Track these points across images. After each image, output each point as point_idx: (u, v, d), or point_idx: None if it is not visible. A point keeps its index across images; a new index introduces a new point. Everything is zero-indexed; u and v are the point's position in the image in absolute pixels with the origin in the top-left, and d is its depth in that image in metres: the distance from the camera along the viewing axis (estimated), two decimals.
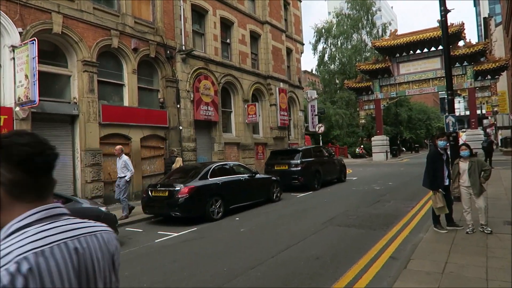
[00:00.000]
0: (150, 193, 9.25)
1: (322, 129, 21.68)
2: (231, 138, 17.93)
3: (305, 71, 60.59)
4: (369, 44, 42.29)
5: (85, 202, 6.82)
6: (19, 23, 10.06)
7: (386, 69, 30.46)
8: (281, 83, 21.30)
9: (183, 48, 14.94)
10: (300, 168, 13.73)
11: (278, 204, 11.35)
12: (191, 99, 15.25)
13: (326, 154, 16.12)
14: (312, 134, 29.23)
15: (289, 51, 23.40)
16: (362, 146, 39.12)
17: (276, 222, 8.71)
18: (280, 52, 21.60)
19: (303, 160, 13.98)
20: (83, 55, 11.54)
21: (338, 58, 45.46)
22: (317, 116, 23.01)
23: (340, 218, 8.65)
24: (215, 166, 9.91)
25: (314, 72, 50.00)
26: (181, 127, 14.69)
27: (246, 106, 18.47)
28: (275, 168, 14.22)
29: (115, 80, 12.88)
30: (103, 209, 6.90)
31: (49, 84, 11.19)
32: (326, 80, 46.53)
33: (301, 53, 25.03)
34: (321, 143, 22.36)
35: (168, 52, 14.40)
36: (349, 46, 45.09)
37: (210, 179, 9.39)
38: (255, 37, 20.18)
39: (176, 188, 8.81)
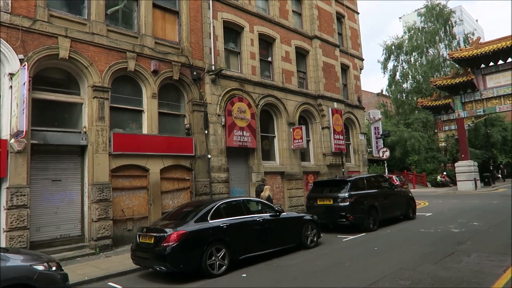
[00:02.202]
0: (138, 238, 7.44)
1: (387, 154, 18.33)
2: (274, 166, 15.70)
3: (378, 94, 56.68)
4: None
5: (14, 258, 5.14)
6: (21, 50, 9.35)
7: (469, 83, 25.84)
8: (335, 103, 18.70)
9: (213, 68, 13.46)
10: (348, 203, 10.92)
11: (312, 252, 8.72)
12: (222, 123, 13.53)
13: (386, 184, 12.96)
14: (377, 161, 25.61)
15: (345, 68, 20.80)
16: (444, 173, 33.70)
17: (290, 285, 6.19)
18: (333, 68, 19.16)
19: (353, 193, 11.15)
20: (93, 80, 10.57)
21: (411, 76, 41.00)
22: (381, 139, 19.74)
23: (385, 283, 5.84)
24: (221, 204, 7.77)
25: (384, 92, 45.83)
26: (209, 156, 12.96)
27: (291, 130, 16.23)
28: (318, 203, 11.59)
29: (133, 106, 11.72)
30: (40, 267, 5.15)
31: (58, 113, 10.35)
32: (398, 101, 42.09)
33: (361, 69, 22.20)
34: (386, 171, 18.94)
35: (194, 73, 13.00)
36: (424, 62, 40.49)
37: (210, 222, 7.27)
38: (302, 53, 18.11)
39: (162, 234, 6.86)
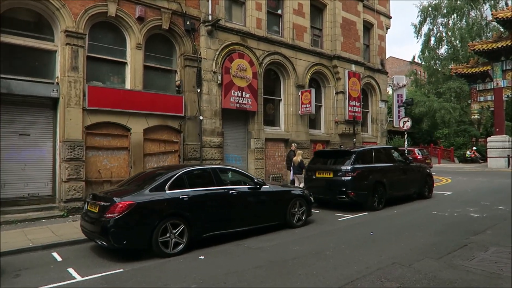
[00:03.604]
0: (86, 206, 6.43)
1: (409, 124, 16.39)
2: (277, 132, 14.30)
3: (411, 62, 52.95)
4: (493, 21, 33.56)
5: None
6: None
7: None
8: (353, 65, 16.75)
9: (210, 18, 11.89)
10: (350, 177, 9.50)
11: (296, 233, 7.48)
12: (218, 82, 12.13)
13: (399, 158, 11.35)
14: (401, 132, 23.58)
15: (368, 26, 18.55)
16: (474, 148, 31.12)
17: (248, 276, 5.00)
18: (353, 26, 17.03)
19: (357, 166, 9.69)
20: (66, 25, 9.35)
21: (447, 41, 37.37)
22: (403, 108, 17.73)
23: (364, 284, 4.55)
24: (185, 172, 6.56)
25: (417, 59, 42.38)
26: (201, 117, 11.71)
27: (299, 93, 14.62)
28: (317, 175, 10.23)
29: (114, 57, 10.49)
30: None
31: (27, 61, 9.29)
32: (431, 68, 38.76)
33: (387, 28, 19.82)
34: (405, 144, 17.08)
35: (188, 23, 11.51)
36: (464, 25, 36.63)
37: (168, 192, 6.11)
38: (318, 7, 16.08)
39: (107, 204, 5.78)
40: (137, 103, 10.48)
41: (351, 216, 9.05)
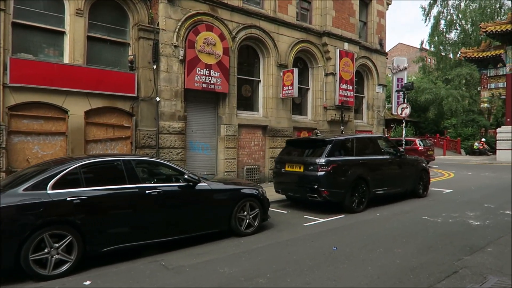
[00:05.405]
0: None
1: (407, 111, 14.52)
2: (254, 118, 12.59)
3: (421, 48, 50.36)
4: (507, 2, 31.14)
5: None
6: None
7: None
8: (346, 44, 14.86)
9: None
10: (324, 172, 7.81)
11: (242, 243, 5.86)
12: (180, 58, 10.43)
13: (389, 150, 9.61)
14: (402, 121, 21.64)
15: (366, 0, 16.56)
16: (483, 139, 29.05)
17: None
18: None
19: (333, 158, 7.99)
20: None
21: (458, 24, 34.93)
22: (402, 93, 15.79)
23: None
24: (81, 165, 4.92)
25: (425, 45, 39.90)
26: (158, 98, 10.06)
27: (281, 73, 12.85)
28: (286, 169, 8.56)
29: (48, 25, 8.82)
30: None
31: None
32: (438, 54, 36.40)
33: (388, 4, 17.78)
34: (403, 133, 15.18)
35: None
36: (477, 7, 34.15)
37: (50, 192, 4.52)
38: None
39: None
40: (77, 81, 8.86)
41: (322, 220, 7.42)
